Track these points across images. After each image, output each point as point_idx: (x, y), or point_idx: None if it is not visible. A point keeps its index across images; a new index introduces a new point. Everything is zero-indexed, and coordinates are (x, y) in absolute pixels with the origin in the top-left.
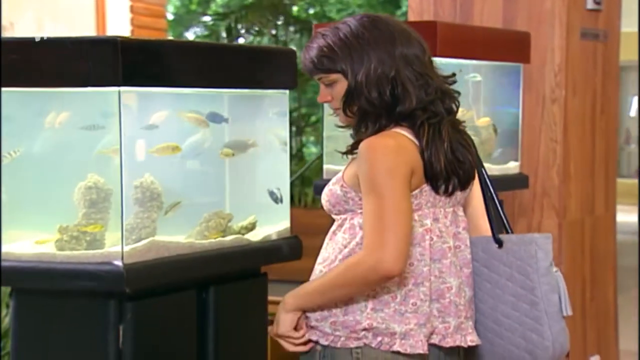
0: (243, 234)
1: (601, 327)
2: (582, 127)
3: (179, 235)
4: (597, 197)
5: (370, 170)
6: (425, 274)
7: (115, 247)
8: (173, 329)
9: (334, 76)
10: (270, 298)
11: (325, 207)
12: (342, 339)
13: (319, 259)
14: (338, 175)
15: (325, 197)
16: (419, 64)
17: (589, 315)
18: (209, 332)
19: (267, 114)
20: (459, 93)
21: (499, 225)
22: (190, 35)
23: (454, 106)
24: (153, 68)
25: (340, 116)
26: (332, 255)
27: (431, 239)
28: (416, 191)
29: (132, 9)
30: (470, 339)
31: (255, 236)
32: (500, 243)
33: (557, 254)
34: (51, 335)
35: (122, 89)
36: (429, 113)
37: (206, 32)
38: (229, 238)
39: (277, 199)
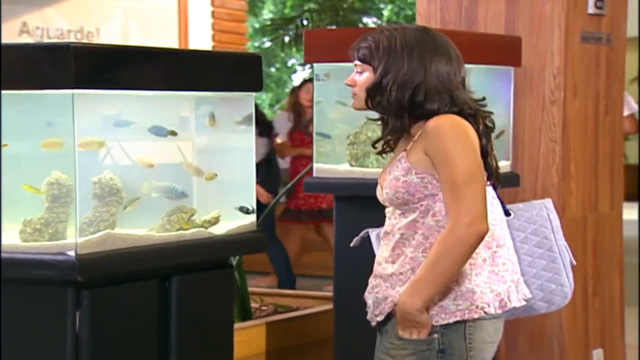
0: (206, 228)
1: (606, 322)
2: (584, 128)
3: (141, 229)
4: (601, 196)
5: (440, 144)
6: (503, 236)
7: (72, 238)
8: (132, 317)
9: (365, 67)
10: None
11: (399, 200)
12: (466, 312)
13: (410, 249)
14: (402, 166)
15: (400, 190)
16: (448, 81)
17: (591, 310)
18: (171, 321)
19: (233, 116)
20: (491, 113)
21: None
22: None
23: (488, 124)
24: (106, 72)
25: (356, 100)
26: (431, 239)
27: (494, 206)
28: None
29: (214, 14)
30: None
31: (219, 230)
32: (508, 213)
33: None
34: (17, 320)
35: (76, 91)
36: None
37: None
38: (190, 231)
39: (247, 211)
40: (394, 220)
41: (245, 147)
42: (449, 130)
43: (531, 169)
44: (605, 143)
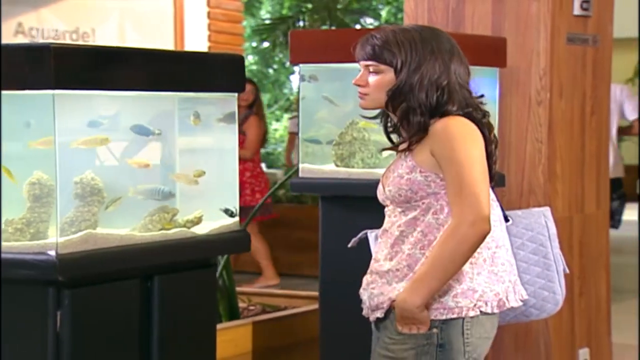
0: (189, 227)
1: (592, 321)
2: (570, 128)
3: (124, 229)
4: (588, 196)
5: (447, 145)
6: (502, 237)
7: (53, 238)
8: (114, 317)
9: (383, 67)
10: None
11: (401, 198)
12: (465, 309)
13: (408, 246)
14: (407, 164)
15: (403, 188)
16: (464, 82)
17: (577, 310)
18: (153, 321)
19: (215, 117)
20: (488, 112)
21: None
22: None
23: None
24: (86, 73)
25: (366, 101)
26: (430, 236)
27: (494, 208)
28: None
29: (210, 15)
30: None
31: (202, 229)
32: (507, 219)
33: None
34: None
35: (56, 92)
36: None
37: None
38: (172, 231)
39: (232, 214)
40: (393, 218)
41: (227, 147)
42: (457, 131)
43: (517, 169)
44: (592, 143)
